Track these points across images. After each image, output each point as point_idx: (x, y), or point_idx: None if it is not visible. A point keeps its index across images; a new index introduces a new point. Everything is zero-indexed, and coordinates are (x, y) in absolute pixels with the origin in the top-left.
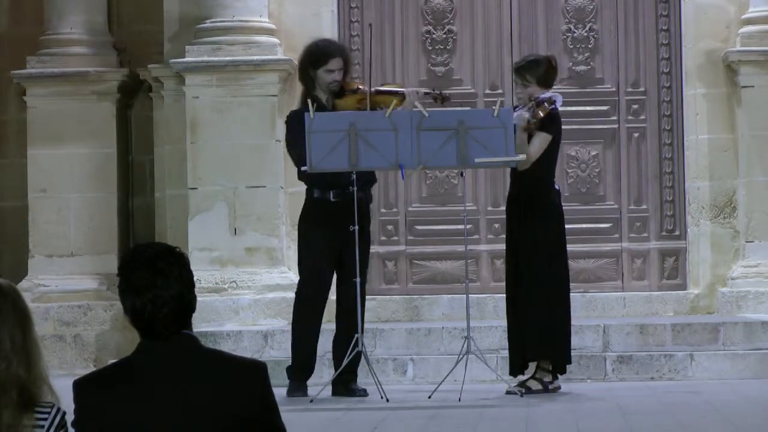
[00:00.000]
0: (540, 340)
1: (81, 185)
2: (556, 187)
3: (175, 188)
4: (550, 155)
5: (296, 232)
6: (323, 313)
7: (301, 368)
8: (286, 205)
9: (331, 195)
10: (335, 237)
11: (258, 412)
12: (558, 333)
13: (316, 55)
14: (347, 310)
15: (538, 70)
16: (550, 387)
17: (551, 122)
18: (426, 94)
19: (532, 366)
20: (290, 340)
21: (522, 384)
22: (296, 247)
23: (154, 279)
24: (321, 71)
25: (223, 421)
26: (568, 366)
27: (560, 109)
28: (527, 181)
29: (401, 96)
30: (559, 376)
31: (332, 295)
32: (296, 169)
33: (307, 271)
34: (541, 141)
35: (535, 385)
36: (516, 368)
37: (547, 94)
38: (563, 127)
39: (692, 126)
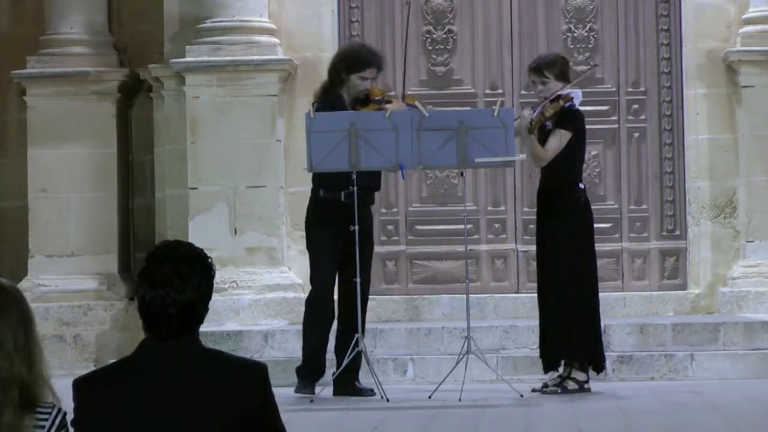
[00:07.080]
0: (563, 339)
1: (81, 185)
2: (581, 185)
3: (175, 188)
4: (572, 153)
5: (296, 233)
6: (333, 313)
7: (311, 368)
8: (286, 205)
9: (342, 196)
10: (340, 237)
11: (258, 412)
12: (585, 333)
13: (354, 60)
14: (350, 310)
15: (555, 66)
16: (586, 386)
17: (570, 119)
18: None
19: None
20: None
21: (558, 384)
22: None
23: (172, 278)
24: (355, 77)
25: (223, 422)
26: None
27: None
28: (552, 178)
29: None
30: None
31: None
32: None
33: (317, 270)
34: (557, 138)
35: (571, 384)
36: (546, 366)
37: (566, 91)
38: None
39: (692, 126)
